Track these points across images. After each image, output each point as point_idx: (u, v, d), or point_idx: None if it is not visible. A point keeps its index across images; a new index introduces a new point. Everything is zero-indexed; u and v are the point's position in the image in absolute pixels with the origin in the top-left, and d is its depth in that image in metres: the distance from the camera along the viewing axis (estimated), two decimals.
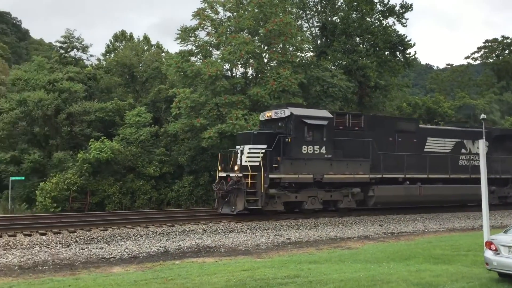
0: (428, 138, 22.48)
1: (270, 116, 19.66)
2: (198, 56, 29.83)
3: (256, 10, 28.51)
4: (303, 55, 31.13)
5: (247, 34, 29.01)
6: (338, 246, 14.39)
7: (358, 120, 20.47)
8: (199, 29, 29.51)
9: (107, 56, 51.64)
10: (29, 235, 13.74)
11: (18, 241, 13.02)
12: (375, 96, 35.33)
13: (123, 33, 53.60)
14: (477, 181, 23.26)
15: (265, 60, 29.73)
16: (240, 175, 17.33)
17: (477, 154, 22.85)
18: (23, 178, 29.86)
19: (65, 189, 26.67)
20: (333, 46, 33.63)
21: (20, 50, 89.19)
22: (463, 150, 23.54)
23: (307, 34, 35.76)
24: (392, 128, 21.33)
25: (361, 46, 34.71)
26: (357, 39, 35.21)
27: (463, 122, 27.99)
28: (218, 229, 16.05)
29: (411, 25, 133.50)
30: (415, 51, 53.03)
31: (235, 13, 29.56)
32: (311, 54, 33.00)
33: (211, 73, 25.97)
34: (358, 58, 33.13)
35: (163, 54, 48.03)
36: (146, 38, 51.74)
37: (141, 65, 45.11)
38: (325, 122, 18.83)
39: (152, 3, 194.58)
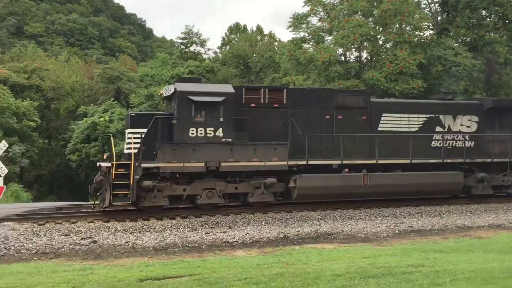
0: (384, 115, 17.72)
1: (161, 94, 16.90)
2: (311, 43, 29.74)
3: None
4: (421, 34, 29.50)
5: (360, 17, 28.23)
6: (466, 235, 13.55)
7: (278, 96, 16.58)
8: (311, 15, 29.37)
9: (223, 49, 53.75)
10: (161, 219, 14.85)
11: (151, 225, 14.17)
12: (506, 73, 32.27)
13: (237, 25, 55.28)
14: (454, 167, 18.01)
15: (380, 42, 28.72)
16: (109, 164, 14.74)
17: (460, 132, 18.48)
18: None
19: None
20: (455, 21, 31.27)
21: (145, 49, 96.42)
22: (438, 128, 18.33)
23: (426, 11, 33.69)
24: (329, 103, 17.04)
25: (488, 19, 31.84)
26: (483, 12, 32.35)
27: (445, 93, 21.04)
28: (336, 215, 15.99)
29: None
30: None
31: None
32: (431, 32, 31.12)
33: (324, 59, 25.75)
34: (485, 33, 30.46)
35: (276, 43, 48.73)
36: (259, 29, 52.78)
37: (254, 55, 46.28)
38: (219, 99, 15.31)
39: None
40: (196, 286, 7.38)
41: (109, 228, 13.67)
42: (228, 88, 16.28)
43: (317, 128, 16.88)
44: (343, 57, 29.51)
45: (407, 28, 28.11)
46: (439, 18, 33.81)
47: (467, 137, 18.44)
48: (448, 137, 18.26)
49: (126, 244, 12.38)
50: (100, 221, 14.33)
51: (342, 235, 13.67)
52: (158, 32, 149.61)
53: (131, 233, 13.35)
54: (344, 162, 16.61)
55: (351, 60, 29.41)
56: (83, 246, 12.11)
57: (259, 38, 50.65)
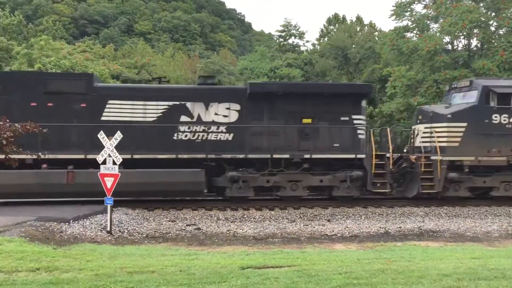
0: (110, 102, 15.17)
1: None
2: (414, 32, 28.50)
3: None
4: None
5: (470, 2, 26.48)
6: None
7: None
8: (415, 2, 28.13)
9: (321, 41, 53.23)
10: (260, 209, 15.18)
11: (251, 215, 14.53)
12: None
13: (335, 16, 54.40)
14: (192, 163, 14.91)
15: (493, 28, 26.73)
16: None
17: (214, 123, 15.46)
18: None
19: None
20: None
21: (244, 43, 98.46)
22: (184, 118, 15.44)
23: None
24: (37, 88, 14.66)
25: None
26: None
27: (205, 77, 17.26)
28: (441, 213, 15.25)
29: None
30: None
31: None
32: None
33: (429, 48, 24.59)
34: None
35: (376, 33, 47.24)
36: (359, 19, 51.48)
37: (354, 46, 45.25)
38: None
39: None
40: (296, 277, 7.43)
41: (211, 216, 14.25)
42: None
43: (21, 117, 14.02)
44: (450, 46, 27.91)
45: None
46: None
47: (223, 128, 15.54)
48: (198, 128, 15.45)
49: (228, 232, 12.82)
50: (203, 209, 14.97)
51: (448, 233, 13.01)
52: (256, 26, 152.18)
53: (232, 222, 13.80)
54: (44, 156, 13.68)
55: (459, 49, 27.69)
56: (188, 232, 12.75)
57: (358, 28, 49.45)
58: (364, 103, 16.33)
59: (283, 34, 45.08)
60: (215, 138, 15.45)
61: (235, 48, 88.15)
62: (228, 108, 15.69)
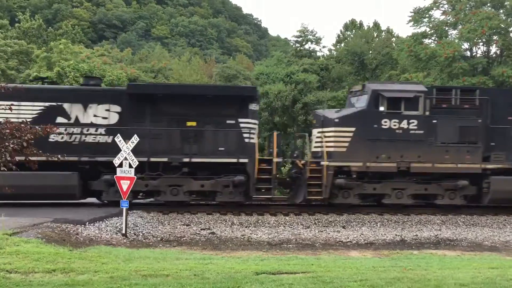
0: None
1: None
2: (433, 38, 28.21)
3: None
4: None
5: (490, 8, 26.15)
6: None
7: None
8: (434, 8, 27.85)
9: (338, 46, 53.01)
10: (274, 215, 15.12)
11: (265, 220, 14.51)
12: None
13: (352, 21, 54.16)
14: (69, 166, 14.18)
15: None
16: None
17: (92, 125, 15.07)
18: None
19: None
20: None
21: (260, 48, 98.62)
22: (61, 119, 14.98)
23: None
24: None
25: None
26: None
27: (90, 78, 17.10)
28: (458, 221, 15.03)
29: None
30: None
31: None
32: None
33: (448, 54, 24.27)
34: None
35: (394, 39, 46.94)
36: (376, 25, 51.22)
37: (370, 52, 44.98)
38: None
39: None
40: (310, 284, 7.38)
41: (226, 221, 14.25)
42: None
43: None
44: (468, 52, 27.56)
45: None
46: None
47: (102, 130, 15.13)
48: (75, 130, 15.00)
49: (242, 237, 12.82)
50: (218, 214, 14.96)
51: (466, 242, 12.85)
52: (273, 31, 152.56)
53: (246, 227, 13.79)
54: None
55: (478, 56, 27.33)
56: (202, 237, 12.77)
57: (375, 34, 49.14)
58: (253, 106, 15.88)
59: (299, 39, 44.83)
60: (93, 141, 15.09)
61: (251, 53, 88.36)
62: (108, 110, 15.36)
